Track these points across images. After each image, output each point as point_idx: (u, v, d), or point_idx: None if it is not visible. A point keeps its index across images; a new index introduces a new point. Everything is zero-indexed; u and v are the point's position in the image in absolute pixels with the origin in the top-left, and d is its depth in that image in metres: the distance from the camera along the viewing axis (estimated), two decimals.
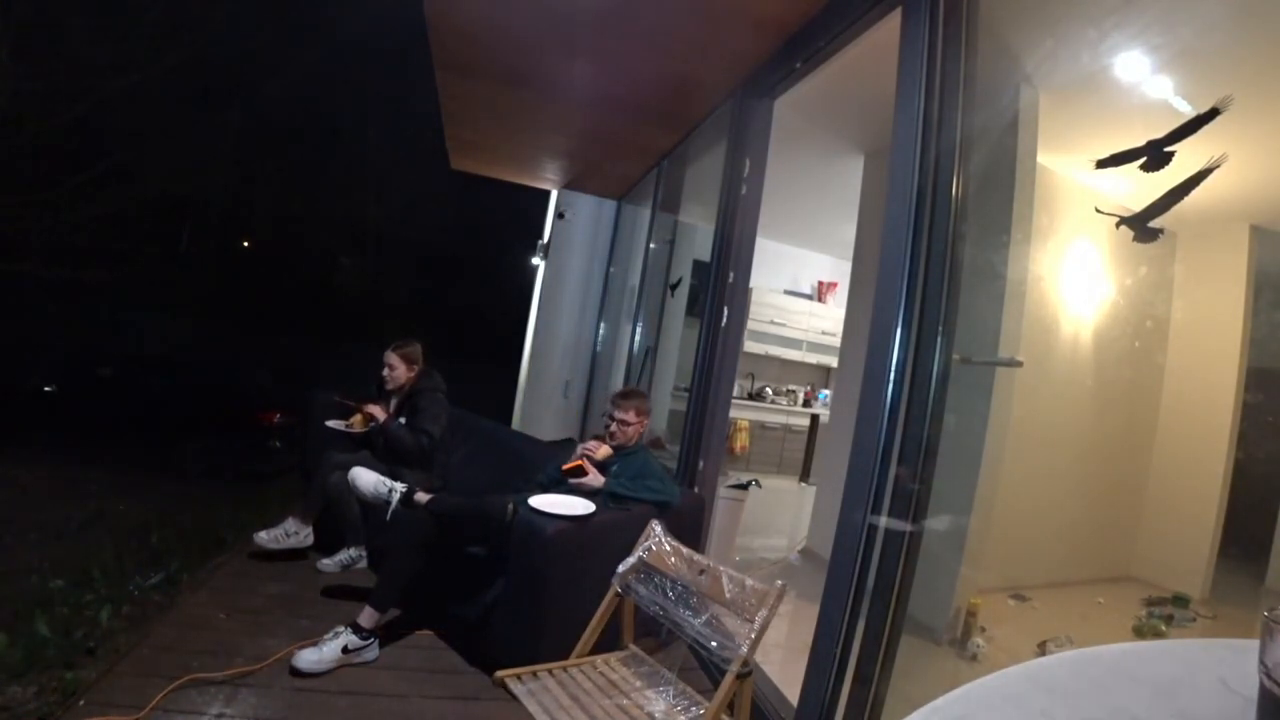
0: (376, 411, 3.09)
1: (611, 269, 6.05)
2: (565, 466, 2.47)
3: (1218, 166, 1.95)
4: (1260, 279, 2.33)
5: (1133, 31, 1.80)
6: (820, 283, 7.02)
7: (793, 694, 1.83)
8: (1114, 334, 2.63)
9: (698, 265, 3.85)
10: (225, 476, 6.13)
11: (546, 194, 6.58)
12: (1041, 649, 2.12)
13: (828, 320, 6.78)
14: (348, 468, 2.77)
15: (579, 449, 2.59)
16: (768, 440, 6.68)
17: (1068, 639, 2.12)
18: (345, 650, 2.10)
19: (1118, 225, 2.42)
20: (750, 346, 6.34)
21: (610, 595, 1.80)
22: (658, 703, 1.56)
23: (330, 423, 3.11)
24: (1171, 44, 1.86)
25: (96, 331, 11.91)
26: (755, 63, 2.85)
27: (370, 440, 3.10)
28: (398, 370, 3.15)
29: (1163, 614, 2.32)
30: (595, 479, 2.42)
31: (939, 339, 1.62)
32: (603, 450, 2.54)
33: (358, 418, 3.11)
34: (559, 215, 6.07)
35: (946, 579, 2.13)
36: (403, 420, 3.10)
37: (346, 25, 14.85)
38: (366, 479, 2.64)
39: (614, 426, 2.58)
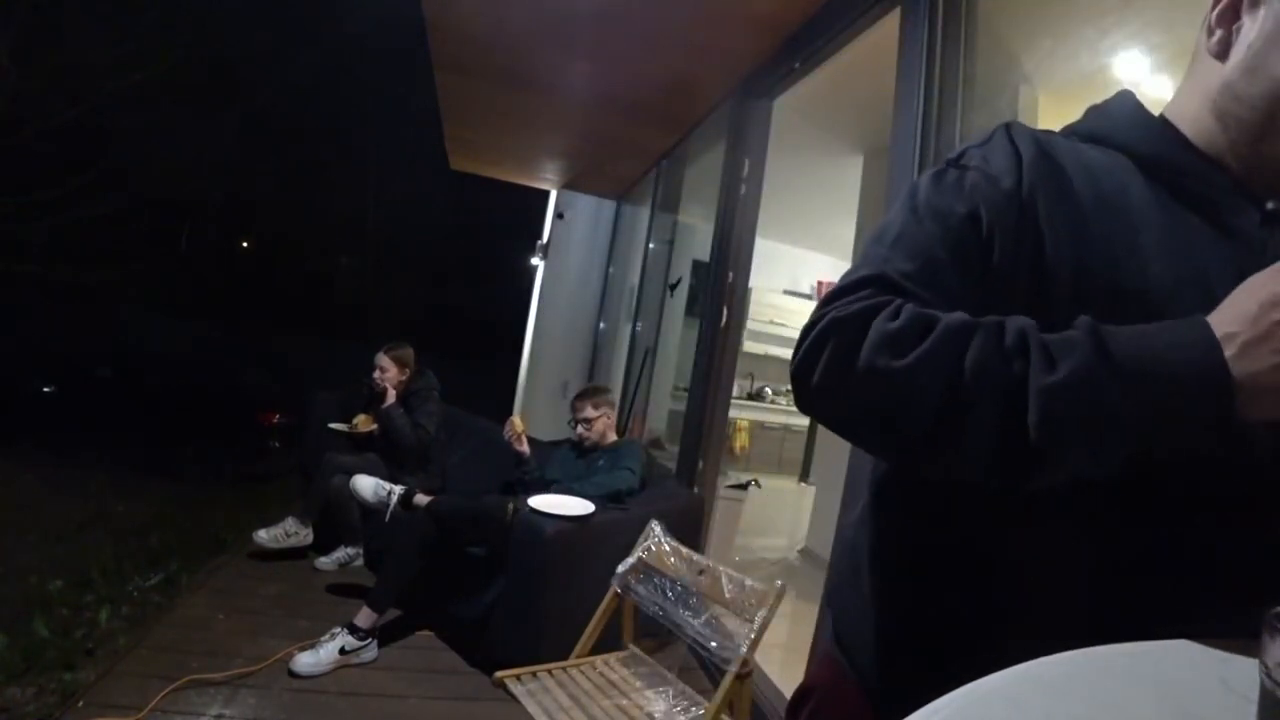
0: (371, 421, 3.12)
1: (611, 269, 6.04)
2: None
3: None
4: None
5: (1133, 31, 1.80)
6: (820, 283, 6.99)
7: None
8: None
9: (697, 265, 3.85)
10: (224, 477, 6.13)
11: (546, 194, 6.58)
12: None
13: None
14: (349, 470, 2.77)
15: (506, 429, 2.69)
16: (767, 440, 6.67)
17: None
18: (342, 651, 2.11)
19: None
20: (750, 346, 6.32)
21: (610, 595, 1.80)
22: (658, 703, 1.56)
23: (333, 425, 3.11)
24: (1171, 44, 1.86)
25: (96, 332, 11.91)
26: (754, 63, 2.85)
27: (372, 442, 3.10)
28: (389, 373, 3.15)
29: None
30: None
31: None
32: (517, 429, 2.65)
33: (361, 418, 3.11)
34: (558, 215, 6.06)
35: None
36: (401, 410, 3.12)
37: (346, 25, 14.87)
38: (366, 484, 2.64)
39: (580, 429, 2.64)
